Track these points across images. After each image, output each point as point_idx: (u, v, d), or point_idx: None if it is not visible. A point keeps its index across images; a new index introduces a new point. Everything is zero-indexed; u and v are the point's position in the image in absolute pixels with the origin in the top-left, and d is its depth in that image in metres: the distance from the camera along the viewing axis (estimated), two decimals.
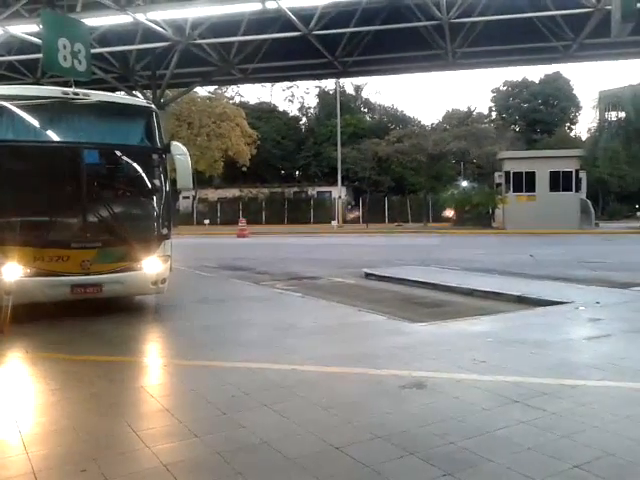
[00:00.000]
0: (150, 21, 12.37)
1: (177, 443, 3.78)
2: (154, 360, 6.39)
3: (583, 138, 55.40)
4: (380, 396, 4.69)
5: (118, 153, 8.58)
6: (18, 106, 7.60)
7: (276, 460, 3.50)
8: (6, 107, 7.52)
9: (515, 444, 3.65)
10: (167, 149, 8.43)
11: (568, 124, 61.38)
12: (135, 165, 8.74)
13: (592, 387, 4.82)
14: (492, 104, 61.94)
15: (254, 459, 3.53)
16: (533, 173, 33.40)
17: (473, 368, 5.35)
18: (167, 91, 19.20)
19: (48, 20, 8.41)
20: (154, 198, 8.66)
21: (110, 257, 7.88)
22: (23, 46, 14.21)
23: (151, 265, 8.20)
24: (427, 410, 4.30)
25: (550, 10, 12.92)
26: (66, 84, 8.53)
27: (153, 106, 8.78)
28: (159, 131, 8.48)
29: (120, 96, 10.79)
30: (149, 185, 8.66)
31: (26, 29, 12.23)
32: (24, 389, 5.14)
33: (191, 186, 8.79)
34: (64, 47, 8.15)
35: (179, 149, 8.47)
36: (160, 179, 8.52)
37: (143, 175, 8.67)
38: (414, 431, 3.90)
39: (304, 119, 61.19)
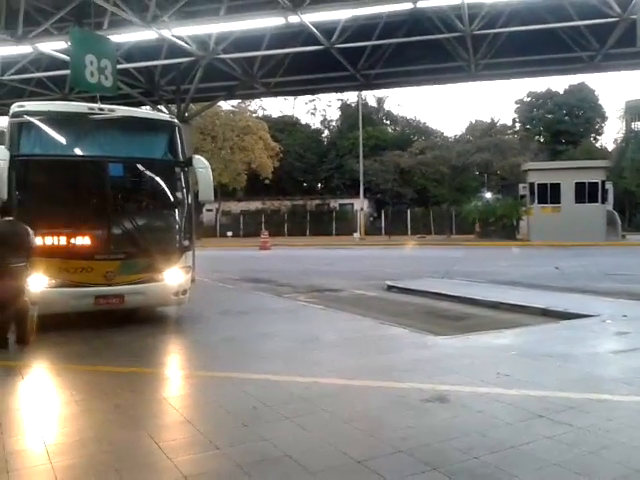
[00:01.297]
0: (175, 37, 12.57)
1: (198, 455, 3.79)
2: (176, 371, 6.44)
3: (609, 149, 54.77)
4: (402, 410, 4.65)
5: (142, 167, 8.73)
6: (46, 122, 7.82)
7: (297, 473, 3.48)
8: (35, 123, 7.75)
9: (540, 459, 3.58)
10: (189, 162, 8.55)
11: (594, 135, 60.58)
12: (158, 178, 8.88)
13: (619, 402, 4.72)
14: (516, 115, 61.48)
15: (275, 472, 3.52)
16: (558, 184, 32.97)
17: (497, 382, 5.28)
18: (191, 105, 19.41)
19: (76, 37, 8.60)
20: (176, 210, 8.78)
21: (133, 268, 8.00)
22: (52, 63, 14.55)
23: (172, 276, 8.30)
24: (450, 424, 4.25)
25: (574, 20, 12.81)
26: (93, 99, 8.70)
27: (176, 120, 8.92)
28: (182, 145, 8.62)
29: (144, 111, 10.99)
30: (171, 198, 8.79)
31: (55, 46, 12.51)
32: (49, 399, 5.20)
33: (213, 199, 8.89)
34: (91, 63, 8.34)
35: (201, 162, 8.59)
36: (182, 192, 8.65)
37: (166, 188, 8.81)
38: (437, 445, 3.85)
39: (326, 132, 61.42)
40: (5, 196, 7.10)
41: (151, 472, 3.56)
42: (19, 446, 4.03)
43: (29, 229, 6.93)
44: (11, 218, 6.97)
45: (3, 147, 7.44)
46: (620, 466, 3.49)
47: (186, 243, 8.66)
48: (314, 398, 4.92)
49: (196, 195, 8.57)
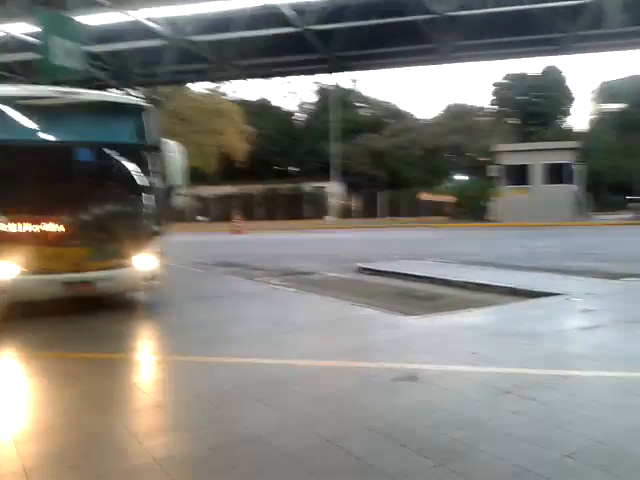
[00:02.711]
0: (145, 19, 12.27)
1: (170, 439, 3.79)
2: (147, 357, 6.40)
3: (576, 130, 55.51)
4: (372, 389, 4.71)
5: (110, 151, 8.53)
6: (10, 105, 7.60)
7: (270, 454, 3.50)
8: None
9: (506, 434, 3.67)
10: (159, 146, 8.40)
11: (560, 117, 61.43)
12: (126, 162, 8.69)
13: (584, 377, 4.85)
14: (494, 98, 61.89)
15: (248, 453, 3.53)
16: (527, 166, 33.45)
17: (465, 360, 5.37)
18: (162, 88, 19.10)
19: (44, 19, 8.33)
20: (145, 195, 8.62)
21: (102, 255, 7.90)
22: (18, 45, 14.14)
23: (142, 262, 8.21)
24: (419, 402, 4.31)
25: (548, 2, 12.86)
26: (62, 84, 8.49)
27: (145, 103, 8.75)
28: (151, 129, 8.43)
29: (111, 94, 10.75)
30: (140, 182, 8.61)
31: (21, 29, 12.14)
32: (17, 387, 5.13)
33: (182, 183, 8.76)
34: (59, 46, 8.08)
35: (171, 146, 8.49)
36: (151, 176, 8.49)
37: (134, 172, 8.63)
38: (406, 423, 3.91)
39: (304, 116, 61.05)
40: None
41: (122, 457, 3.54)
42: None
43: None
44: None
45: None
46: (583, 438, 3.59)
47: (156, 228, 8.54)
48: (285, 380, 4.94)
49: (165, 179, 8.45)
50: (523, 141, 45.97)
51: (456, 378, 4.88)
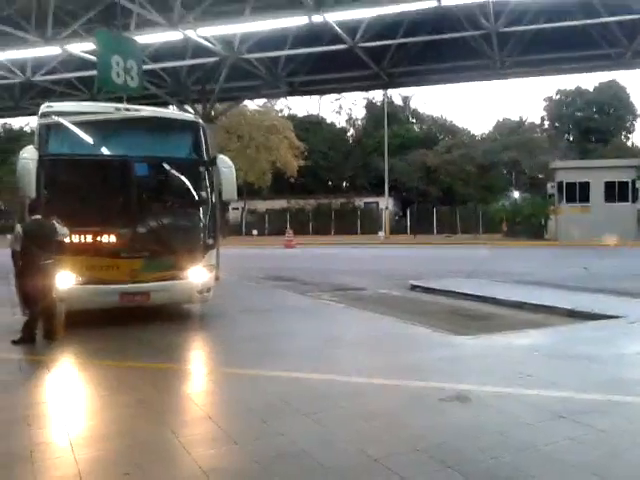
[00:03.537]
0: (200, 37, 12.66)
1: (217, 450, 3.84)
2: (199, 368, 6.52)
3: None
4: (422, 408, 4.65)
5: (166, 166, 8.81)
6: (73, 122, 7.99)
7: (314, 469, 3.51)
8: (62, 123, 7.93)
9: (559, 460, 3.55)
10: (213, 162, 8.62)
11: (624, 133, 59.39)
12: (182, 177, 8.98)
13: None
14: (545, 113, 60.58)
15: (292, 468, 3.55)
16: (587, 183, 32.49)
17: (519, 382, 5.23)
18: (217, 105, 19.58)
19: (102, 39, 8.76)
20: (200, 209, 8.87)
21: (157, 266, 8.12)
22: (81, 64, 14.81)
23: (197, 274, 8.40)
24: (469, 424, 4.22)
25: (602, 17, 12.56)
26: (120, 100, 8.86)
27: (200, 120, 9.04)
28: (206, 144, 8.70)
29: (168, 111, 11.15)
30: (196, 197, 8.88)
31: (83, 47, 12.75)
32: (75, 394, 5.31)
33: (236, 198, 8.94)
34: (117, 64, 8.49)
35: (224, 162, 8.65)
36: (206, 191, 8.73)
37: (190, 187, 8.90)
38: (455, 445, 3.84)
39: (352, 130, 61.31)
40: (33, 194, 7.25)
41: (171, 466, 3.62)
42: (44, 438, 4.14)
43: (57, 225, 7.08)
44: (39, 217, 7.13)
45: (32, 147, 7.60)
46: (639, 468, 3.44)
47: (210, 242, 8.76)
48: (333, 396, 4.93)
49: (220, 194, 8.65)
50: (581, 158, 44.68)
51: (508, 400, 4.75)
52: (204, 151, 8.66)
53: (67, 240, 7.33)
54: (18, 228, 7.07)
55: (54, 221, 7.11)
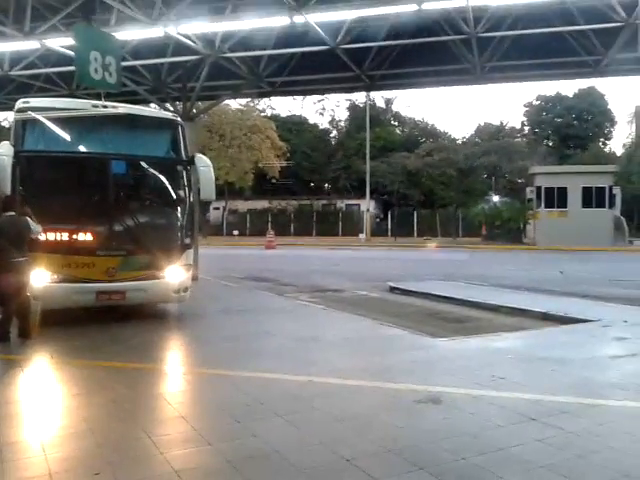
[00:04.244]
0: (181, 35, 12.58)
1: (190, 450, 3.83)
2: (174, 368, 6.49)
3: (618, 154, 54.45)
4: (395, 410, 4.69)
5: (143, 164, 8.77)
6: (50, 118, 7.89)
7: (286, 470, 3.51)
8: (38, 119, 7.83)
9: (528, 462, 3.60)
10: (192, 161, 8.58)
11: (602, 139, 60.22)
12: (160, 176, 8.93)
13: (612, 407, 4.73)
14: (525, 118, 61.20)
15: (264, 468, 3.56)
16: (565, 189, 32.89)
17: (491, 384, 5.29)
18: (198, 103, 19.48)
19: (81, 34, 8.69)
20: (178, 208, 8.82)
21: (134, 265, 8.07)
22: (60, 59, 14.64)
23: (173, 274, 8.36)
24: (441, 425, 4.27)
25: (580, 24, 12.75)
26: (100, 96, 8.80)
27: (179, 119, 9.01)
28: (184, 143, 8.66)
29: (147, 109, 11.10)
30: (173, 196, 8.84)
31: (62, 42, 12.60)
32: (47, 393, 5.25)
33: (214, 197, 8.89)
34: (95, 60, 8.44)
35: (203, 161, 8.61)
36: (184, 190, 8.70)
37: (167, 186, 8.86)
38: (426, 446, 3.87)
39: (334, 132, 61.37)
40: (8, 191, 7.16)
41: (143, 466, 3.60)
42: (15, 437, 4.10)
43: (30, 221, 7.00)
44: (12, 213, 7.03)
45: (7, 143, 7.51)
46: (608, 470, 3.50)
47: (187, 241, 8.74)
48: (308, 397, 4.95)
49: (198, 193, 8.61)
50: (559, 163, 45.23)
51: (481, 403, 4.81)
52: (182, 150, 8.62)
53: (41, 237, 7.24)
54: None
55: (28, 218, 7.03)
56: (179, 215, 8.81)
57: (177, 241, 8.64)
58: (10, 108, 8.79)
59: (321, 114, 64.42)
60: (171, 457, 3.68)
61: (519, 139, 56.62)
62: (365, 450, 3.80)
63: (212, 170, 8.71)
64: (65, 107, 8.25)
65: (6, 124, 44.82)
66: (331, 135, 60.89)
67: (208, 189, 8.55)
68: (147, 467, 3.58)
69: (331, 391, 5.14)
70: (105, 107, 8.25)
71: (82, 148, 8.23)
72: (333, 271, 17.56)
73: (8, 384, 5.49)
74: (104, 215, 8.00)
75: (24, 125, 7.75)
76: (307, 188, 55.06)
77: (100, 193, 8.08)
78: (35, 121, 7.78)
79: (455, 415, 4.50)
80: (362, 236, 39.26)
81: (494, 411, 4.59)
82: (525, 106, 61.36)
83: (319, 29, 12.44)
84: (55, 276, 7.63)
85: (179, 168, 8.65)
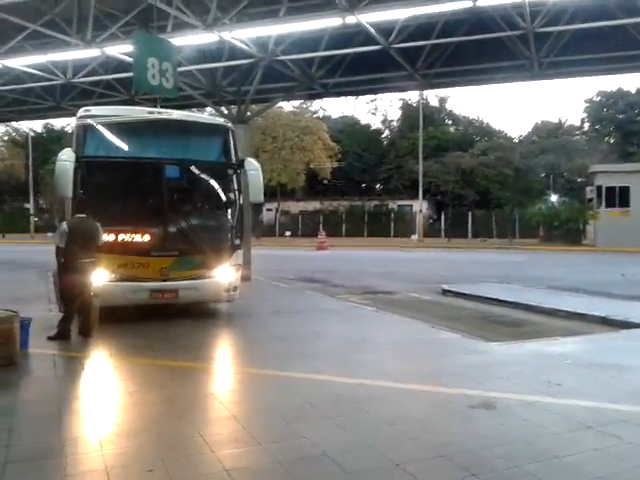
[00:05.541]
0: (235, 39, 12.77)
1: (241, 450, 3.88)
2: (226, 367, 6.60)
3: None
4: (447, 415, 4.62)
5: (196, 168, 9.13)
6: (109, 125, 8.32)
7: (334, 473, 3.52)
8: (99, 126, 8.25)
9: (584, 471, 3.49)
10: (241, 164, 8.87)
11: None
12: (211, 179, 9.31)
13: None
14: (585, 115, 59.18)
15: (313, 470, 3.57)
16: (628, 187, 31.67)
17: (547, 390, 5.15)
18: (252, 106, 19.75)
19: (139, 41, 8.96)
20: (228, 210, 9.15)
21: (186, 265, 8.40)
22: (119, 65, 15.11)
23: (224, 273, 8.68)
24: (495, 431, 4.18)
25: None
26: (157, 100, 9.11)
27: (229, 124, 9.36)
28: (235, 147, 8.98)
29: (199, 115, 11.50)
30: (224, 198, 9.19)
31: (121, 49, 13.00)
32: (105, 390, 5.44)
33: (262, 200, 9.18)
34: (153, 66, 8.74)
35: (252, 164, 8.89)
36: (234, 193, 9.02)
37: (219, 189, 9.23)
38: (479, 452, 3.80)
39: (387, 132, 60.97)
40: (70, 194, 7.49)
41: (194, 464, 3.67)
42: (76, 433, 4.26)
43: (99, 226, 7.29)
44: (84, 215, 7.32)
45: (69, 149, 7.86)
46: None
47: (237, 242, 9.02)
48: (359, 399, 4.94)
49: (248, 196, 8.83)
50: (621, 162, 43.51)
51: (536, 409, 4.68)
52: (233, 154, 8.93)
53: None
54: (63, 225, 7.27)
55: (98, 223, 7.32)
56: (229, 217, 9.13)
57: (227, 242, 8.94)
58: (73, 114, 9.17)
59: (373, 114, 64.39)
60: (222, 456, 3.75)
61: (579, 137, 54.88)
62: (415, 455, 3.77)
63: (261, 173, 8.97)
64: (122, 115, 8.64)
65: (69, 129, 46.68)
66: (383, 135, 60.52)
67: (257, 191, 8.83)
68: (199, 465, 3.65)
69: (382, 394, 5.12)
70: (160, 114, 8.66)
71: (138, 154, 8.58)
72: (384, 272, 17.46)
73: (72, 381, 5.72)
74: (158, 217, 8.36)
75: (85, 132, 8.14)
76: (359, 189, 54.93)
77: (155, 197, 8.46)
78: (95, 128, 8.19)
79: (509, 421, 4.40)
80: (414, 237, 38.86)
81: (549, 418, 4.46)
82: (585, 102, 59.31)
83: (371, 29, 12.37)
84: (113, 275, 7.94)
85: (229, 171, 8.97)
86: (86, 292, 7.25)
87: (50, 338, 7.07)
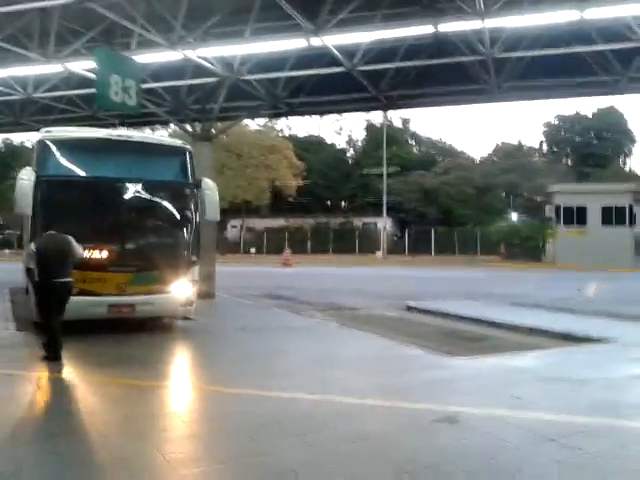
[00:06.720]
0: (200, 58, 12.77)
1: (203, 468, 3.82)
2: (188, 386, 6.50)
3: (639, 172, 53.87)
4: (411, 430, 4.64)
5: (154, 188, 9.22)
6: (69, 146, 8.54)
7: None
8: (59, 146, 8.41)
9: None
10: (198, 185, 9.12)
11: (622, 158, 59.74)
12: (168, 199, 9.46)
13: (633, 428, 4.64)
14: (543, 138, 60.96)
15: None
16: (584, 207, 32.64)
17: (509, 404, 5.22)
18: (217, 123, 19.71)
19: (102, 57, 8.95)
20: (184, 228, 9.38)
21: (143, 280, 8.56)
22: (81, 81, 14.92)
23: (180, 289, 8.84)
24: (458, 446, 4.21)
25: (597, 44, 12.70)
26: (120, 117, 9.16)
27: (187, 146, 9.63)
28: (192, 168, 9.27)
29: (157, 137, 11.81)
30: (180, 217, 9.35)
31: (84, 65, 12.85)
32: (63, 410, 5.25)
33: (218, 218, 9.56)
34: (116, 83, 8.77)
35: (208, 185, 9.17)
36: (191, 211, 9.23)
37: (175, 208, 9.37)
38: (442, 467, 3.83)
39: (351, 151, 61.64)
40: (30, 211, 7.51)
41: None
42: (34, 456, 4.11)
43: (71, 239, 7.09)
44: (53, 232, 7.14)
45: (30, 168, 8.04)
46: None
47: (193, 258, 9.24)
48: (324, 416, 4.92)
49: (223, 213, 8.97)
50: (579, 182, 44.88)
51: (498, 423, 4.74)
52: (190, 174, 9.24)
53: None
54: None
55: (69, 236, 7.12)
56: (185, 234, 9.38)
57: (183, 258, 9.18)
58: (33, 129, 9.11)
59: (338, 134, 64.88)
60: (184, 476, 3.68)
61: (537, 158, 56.38)
62: (380, 471, 3.76)
63: (217, 193, 9.26)
64: (82, 136, 8.94)
65: (29, 144, 45.70)
66: (348, 154, 61.14)
67: (213, 210, 9.14)
68: None
69: (347, 411, 5.11)
70: (120, 136, 8.98)
71: (98, 173, 8.71)
72: (349, 289, 17.51)
73: (27, 402, 5.51)
74: (116, 234, 8.59)
75: (45, 152, 8.32)
76: (324, 206, 55.20)
77: (113, 215, 8.71)
78: (55, 149, 8.36)
79: (472, 435, 4.44)
80: (379, 254, 39.17)
81: (511, 431, 4.52)
82: (544, 126, 61.12)
83: (336, 51, 12.53)
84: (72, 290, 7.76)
85: (186, 191, 9.23)
86: (59, 315, 7.01)
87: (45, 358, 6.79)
